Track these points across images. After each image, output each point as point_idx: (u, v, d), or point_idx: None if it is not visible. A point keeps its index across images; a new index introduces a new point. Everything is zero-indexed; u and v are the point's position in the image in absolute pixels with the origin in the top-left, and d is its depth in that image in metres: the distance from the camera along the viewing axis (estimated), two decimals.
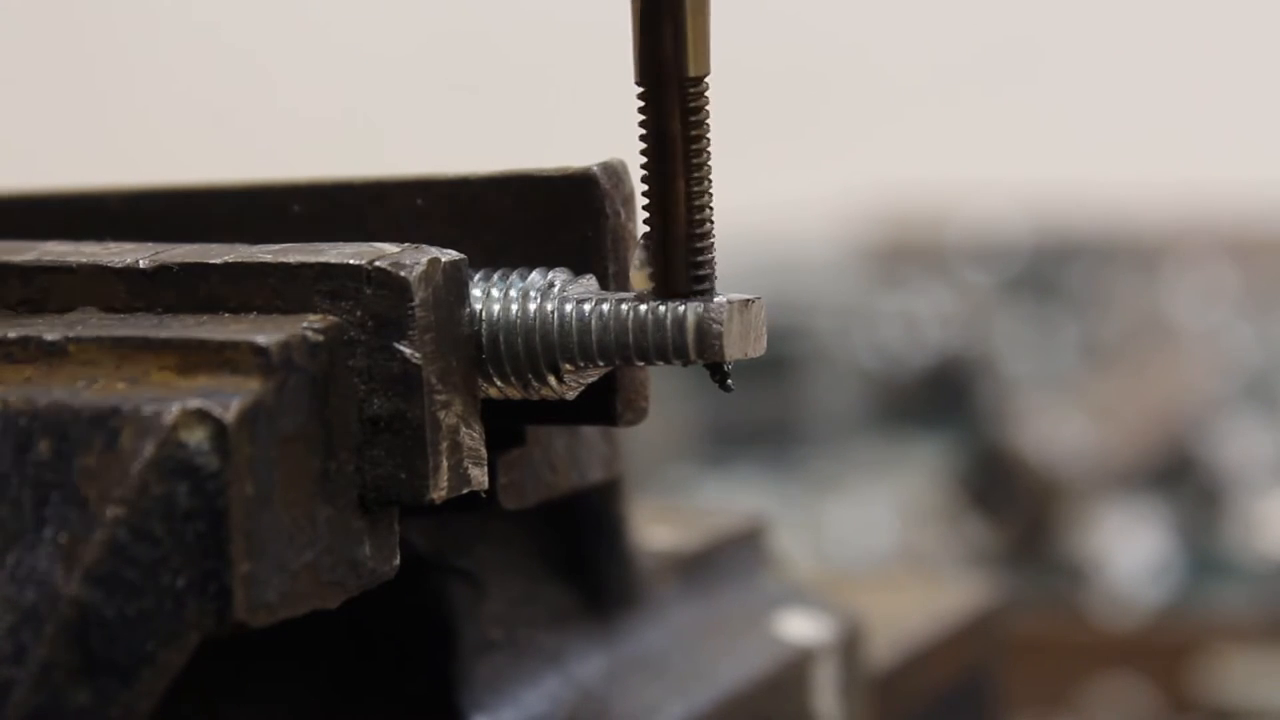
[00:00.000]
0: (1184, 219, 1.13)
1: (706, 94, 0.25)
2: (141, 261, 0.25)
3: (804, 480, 0.86)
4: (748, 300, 0.25)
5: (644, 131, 0.25)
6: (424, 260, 0.24)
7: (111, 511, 0.22)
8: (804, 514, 0.80)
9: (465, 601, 0.29)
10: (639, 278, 0.25)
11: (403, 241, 0.25)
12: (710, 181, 0.25)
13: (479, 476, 0.25)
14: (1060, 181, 1.15)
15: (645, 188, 0.25)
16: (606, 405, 0.27)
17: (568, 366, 0.26)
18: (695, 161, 0.25)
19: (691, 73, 0.25)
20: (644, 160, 0.25)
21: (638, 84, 0.25)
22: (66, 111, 1.37)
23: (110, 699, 0.22)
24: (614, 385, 0.27)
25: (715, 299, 0.25)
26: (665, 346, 0.25)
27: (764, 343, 0.26)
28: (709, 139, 0.25)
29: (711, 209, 0.25)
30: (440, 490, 0.24)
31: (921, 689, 0.41)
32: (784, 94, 1.27)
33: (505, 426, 0.27)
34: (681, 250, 0.25)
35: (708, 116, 0.25)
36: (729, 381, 0.26)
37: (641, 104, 0.25)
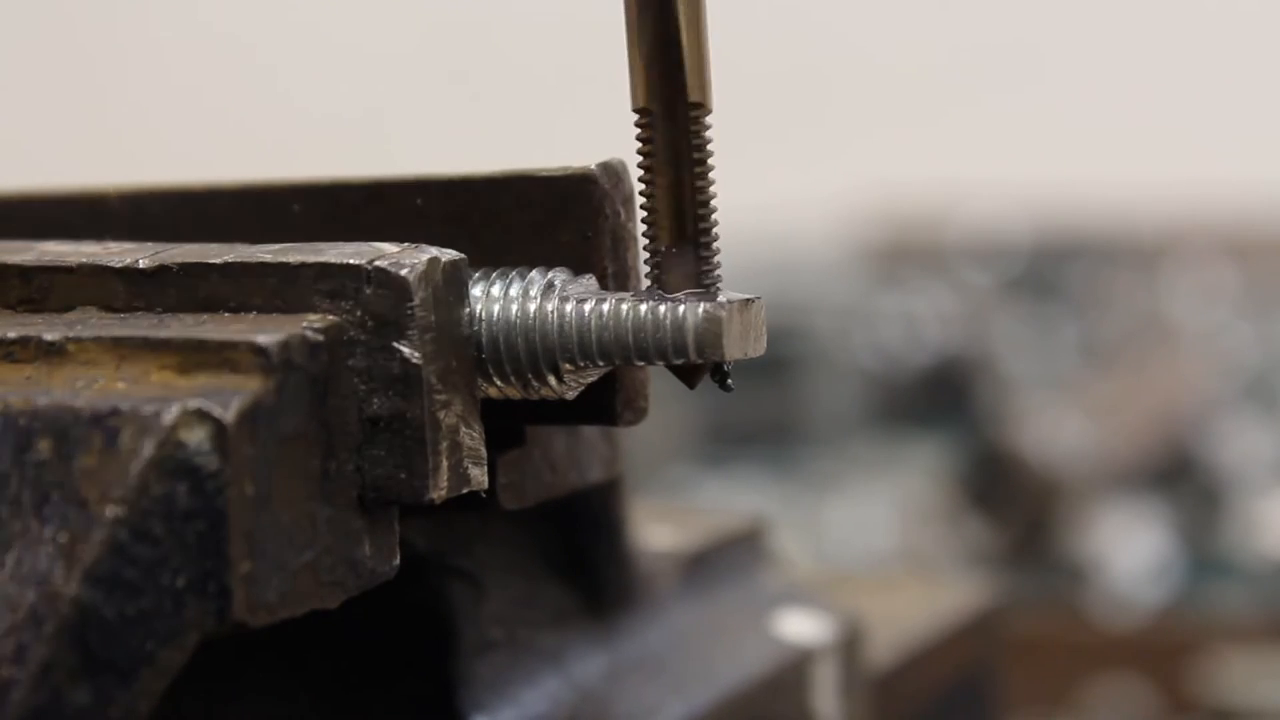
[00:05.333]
0: (1184, 219, 1.13)
1: (708, 117, 0.25)
2: (141, 261, 0.25)
3: (804, 480, 0.85)
4: (748, 300, 0.25)
5: (648, 147, 0.25)
6: (424, 260, 0.24)
7: (111, 511, 0.22)
8: (804, 514, 0.80)
9: (465, 601, 0.29)
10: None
11: (402, 241, 0.25)
12: (713, 186, 0.25)
13: (479, 476, 0.25)
14: (1060, 181, 1.15)
15: (643, 187, 0.25)
16: (606, 405, 0.27)
17: (567, 366, 0.26)
18: (700, 181, 0.25)
19: (694, 97, 0.25)
20: (643, 173, 0.25)
21: (637, 109, 0.25)
22: (66, 111, 1.37)
23: (110, 699, 0.22)
24: (614, 385, 0.27)
25: (715, 299, 0.25)
26: (665, 346, 0.25)
27: (764, 343, 0.26)
28: (711, 156, 0.25)
29: (715, 213, 0.25)
30: (440, 490, 0.24)
31: (921, 689, 0.41)
32: (784, 94, 1.27)
33: (505, 426, 0.27)
34: (689, 254, 0.25)
35: (709, 140, 0.25)
36: (729, 381, 0.26)
37: (644, 126, 0.25)
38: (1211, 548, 0.78)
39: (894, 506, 0.81)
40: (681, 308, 0.25)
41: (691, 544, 0.35)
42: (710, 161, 0.25)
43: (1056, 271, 1.09)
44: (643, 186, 0.25)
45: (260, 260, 0.25)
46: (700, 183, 0.25)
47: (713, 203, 0.25)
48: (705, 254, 0.25)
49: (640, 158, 0.25)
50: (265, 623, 0.23)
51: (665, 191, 0.25)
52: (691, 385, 0.26)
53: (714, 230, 0.25)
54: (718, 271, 0.26)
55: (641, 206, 0.26)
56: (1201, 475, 0.82)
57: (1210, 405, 0.89)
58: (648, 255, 0.26)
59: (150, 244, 0.26)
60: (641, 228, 0.26)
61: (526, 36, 1.31)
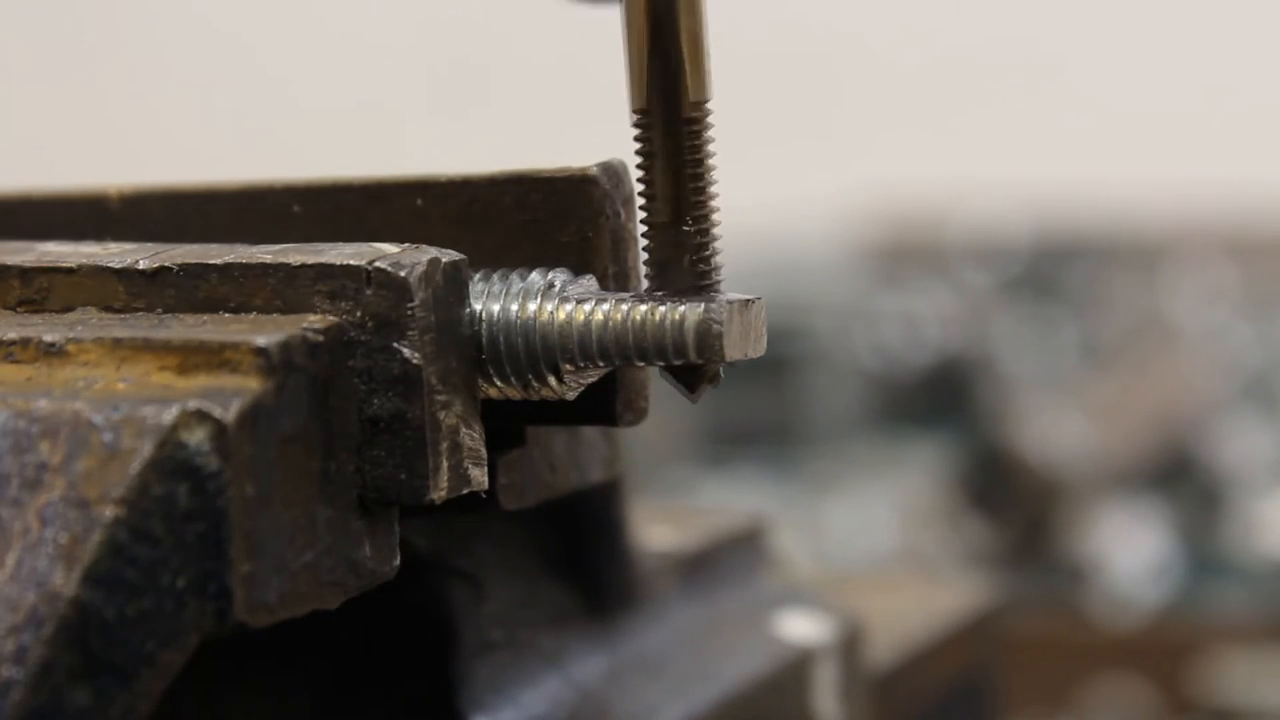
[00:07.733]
0: (1184, 219, 1.13)
1: (709, 118, 0.25)
2: (141, 261, 0.25)
3: (804, 480, 0.86)
4: (748, 300, 0.25)
5: (647, 148, 0.25)
6: (424, 260, 0.24)
7: (111, 512, 0.22)
8: (804, 514, 0.80)
9: (465, 601, 0.29)
10: None
11: (403, 241, 0.25)
12: (712, 189, 0.25)
13: (479, 476, 0.25)
14: (1060, 181, 1.15)
15: (642, 188, 0.26)
16: (606, 405, 0.27)
17: (568, 367, 0.26)
18: (700, 182, 0.25)
19: (693, 98, 0.25)
20: (643, 174, 0.25)
21: (636, 110, 0.25)
22: (68, 110, 1.37)
23: (110, 699, 0.22)
24: (614, 385, 0.27)
25: (715, 299, 0.25)
26: (665, 347, 0.25)
27: (764, 343, 0.26)
28: (711, 157, 0.25)
29: (715, 214, 0.25)
30: (440, 490, 0.24)
31: (921, 689, 0.41)
32: (785, 94, 1.27)
33: (505, 426, 0.27)
34: (687, 255, 0.25)
35: (710, 140, 0.25)
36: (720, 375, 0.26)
37: (642, 126, 0.25)
38: (1211, 548, 0.78)
39: (894, 507, 0.81)
40: (681, 308, 0.25)
41: (691, 544, 0.35)
42: (710, 162, 0.25)
43: (1056, 271, 1.09)
44: (642, 187, 0.25)
45: (260, 261, 0.25)
46: (700, 183, 0.25)
47: (712, 203, 0.25)
48: (705, 255, 0.25)
49: (639, 159, 0.25)
50: (265, 623, 0.23)
51: (665, 192, 0.25)
52: (694, 398, 0.26)
53: (714, 231, 0.26)
54: (718, 272, 0.26)
55: (641, 208, 0.26)
56: (1201, 475, 0.82)
57: (1210, 405, 0.89)
58: (647, 255, 0.26)
59: (150, 244, 0.26)
60: (642, 228, 0.26)
61: (527, 37, 1.31)
